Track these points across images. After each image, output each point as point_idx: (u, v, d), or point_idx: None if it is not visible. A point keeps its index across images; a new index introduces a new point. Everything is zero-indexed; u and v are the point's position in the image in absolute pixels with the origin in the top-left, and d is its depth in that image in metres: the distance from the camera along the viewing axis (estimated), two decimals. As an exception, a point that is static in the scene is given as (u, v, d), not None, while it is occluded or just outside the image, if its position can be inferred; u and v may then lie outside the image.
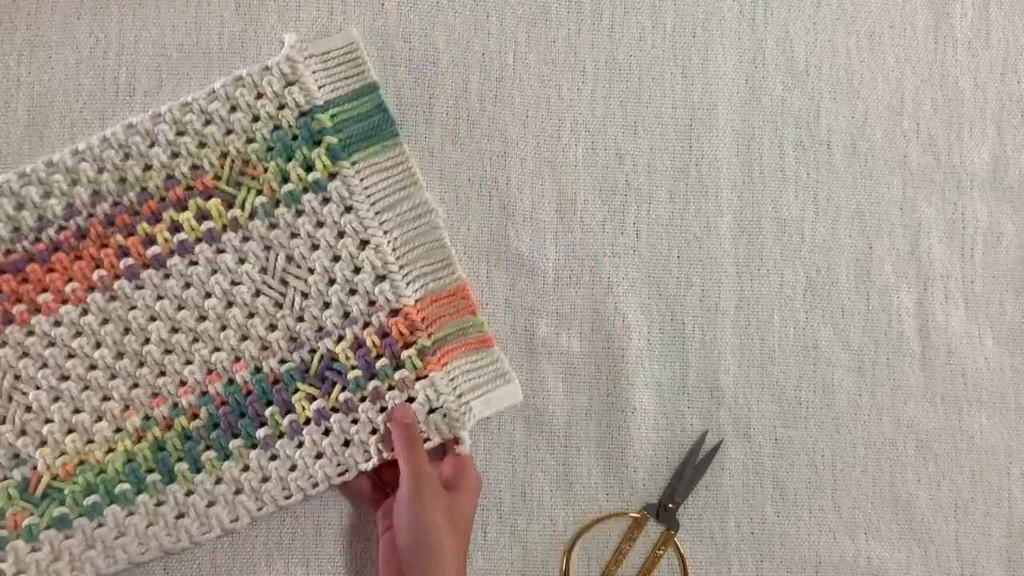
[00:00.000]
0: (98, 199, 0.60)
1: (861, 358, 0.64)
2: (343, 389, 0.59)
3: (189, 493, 0.58)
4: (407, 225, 0.61)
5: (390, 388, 0.60)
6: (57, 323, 0.59)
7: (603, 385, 0.63)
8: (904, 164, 0.65)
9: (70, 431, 0.58)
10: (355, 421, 0.59)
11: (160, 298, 0.59)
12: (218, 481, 0.58)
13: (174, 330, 0.59)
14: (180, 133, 0.60)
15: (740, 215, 0.65)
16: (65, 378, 0.59)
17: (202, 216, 0.60)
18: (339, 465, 0.58)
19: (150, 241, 0.60)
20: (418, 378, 0.60)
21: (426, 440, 0.59)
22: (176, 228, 0.60)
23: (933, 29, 0.67)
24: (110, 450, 0.58)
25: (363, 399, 0.59)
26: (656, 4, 0.66)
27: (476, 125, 0.64)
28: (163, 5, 0.64)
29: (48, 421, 0.58)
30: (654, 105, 0.65)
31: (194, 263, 0.60)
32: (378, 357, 0.60)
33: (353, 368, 0.59)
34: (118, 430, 0.58)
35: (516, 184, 0.64)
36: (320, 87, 0.62)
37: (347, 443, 0.59)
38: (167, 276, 0.60)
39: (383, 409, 0.59)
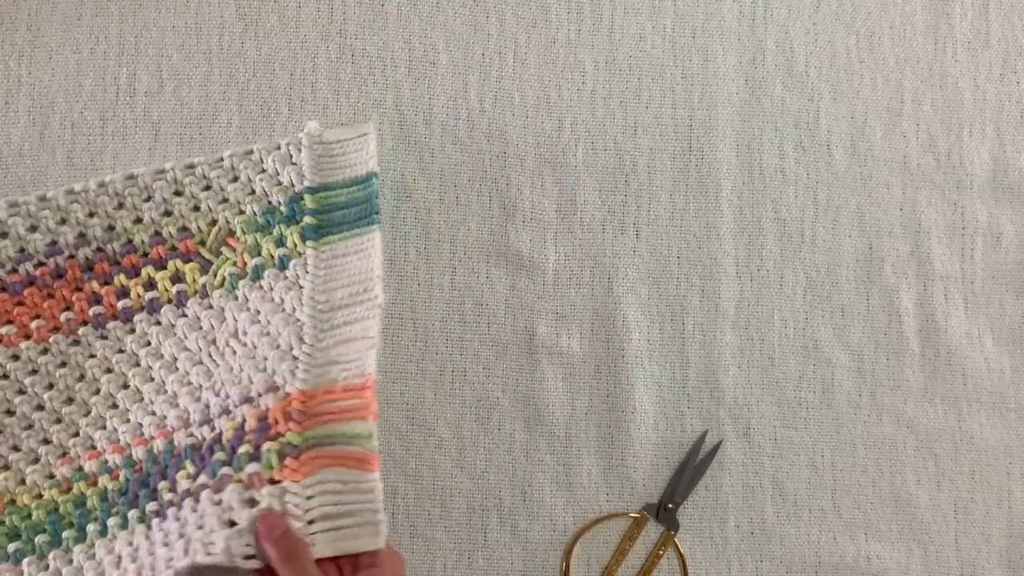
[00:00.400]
0: (82, 242, 0.59)
1: (861, 358, 0.64)
2: (201, 471, 0.53)
3: (91, 556, 0.55)
4: (339, 311, 0.58)
5: (238, 482, 0.51)
6: (15, 357, 0.58)
7: (603, 385, 0.63)
8: (904, 164, 0.65)
9: (5, 467, 0.57)
10: (193, 510, 0.51)
11: (120, 351, 0.59)
12: (110, 551, 0.54)
13: (124, 386, 0.59)
14: (177, 193, 0.60)
15: (740, 215, 0.65)
16: (10, 413, 0.58)
17: (177, 278, 0.60)
18: (169, 560, 0.50)
19: (124, 293, 0.59)
20: (271, 481, 0.51)
21: (249, 557, 0.49)
22: (151, 285, 0.59)
23: (933, 29, 0.67)
24: (39, 496, 0.57)
25: (204, 487, 0.52)
26: (656, 4, 0.66)
27: (476, 125, 0.64)
28: (163, 6, 0.64)
29: None
30: (654, 105, 0.65)
31: (158, 323, 0.59)
32: (243, 442, 0.52)
33: (223, 450, 0.53)
34: (50, 476, 0.57)
35: (516, 184, 0.64)
36: (320, 170, 0.61)
37: (181, 535, 0.51)
38: (132, 331, 0.59)
39: (219, 503, 0.51)
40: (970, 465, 0.63)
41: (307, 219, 0.60)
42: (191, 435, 0.56)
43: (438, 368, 0.62)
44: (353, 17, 0.64)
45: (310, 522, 0.50)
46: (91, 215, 0.59)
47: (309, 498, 0.51)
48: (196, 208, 0.60)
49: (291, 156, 0.61)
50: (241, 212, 0.60)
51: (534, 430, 0.62)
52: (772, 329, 0.64)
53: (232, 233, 0.60)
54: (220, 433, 0.55)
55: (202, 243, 0.60)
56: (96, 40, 0.64)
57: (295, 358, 0.56)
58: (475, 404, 0.62)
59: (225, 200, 0.60)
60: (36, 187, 0.60)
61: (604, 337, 0.63)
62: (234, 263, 0.60)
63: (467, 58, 0.65)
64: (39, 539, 0.56)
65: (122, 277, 0.59)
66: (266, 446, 0.52)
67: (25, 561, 0.56)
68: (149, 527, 0.53)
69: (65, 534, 0.56)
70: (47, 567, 0.56)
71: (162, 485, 0.55)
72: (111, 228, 0.60)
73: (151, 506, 0.54)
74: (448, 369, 0.62)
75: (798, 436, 0.63)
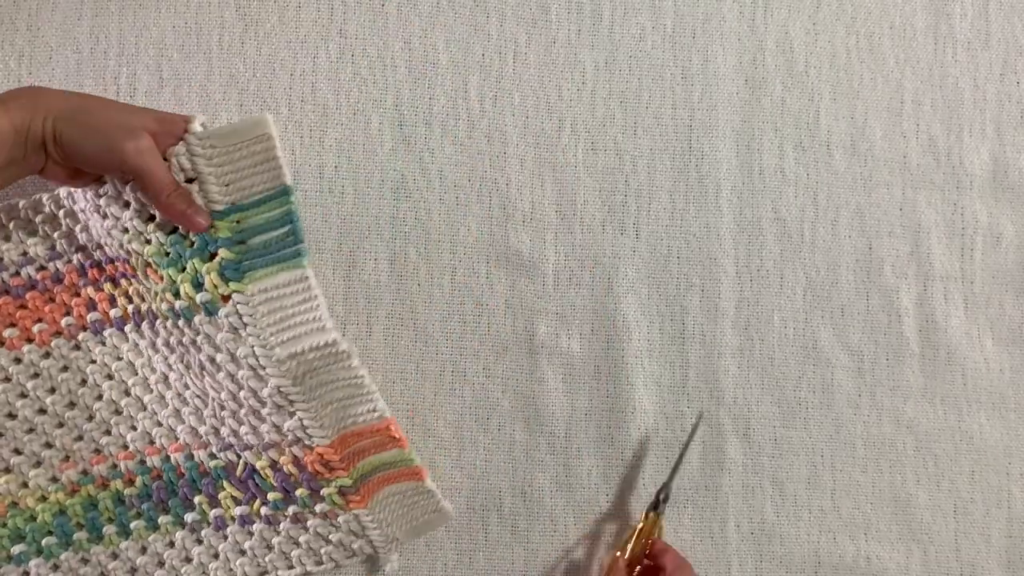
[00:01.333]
0: (73, 248, 0.58)
1: (861, 358, 0.64)
2: (263, 504, 0.58)
3: (114, 556, 0.58)
4: (314, 366, 0.55)
5: (313, 515, 0.58)
6: (17, 360, 0.58)
7: (603, 385, 0.63)
8: (904, 164, 0.65)
9: (7, 471, 0.58)
10: (277, 533, 0.59)
11: (119, 359, 0.59)
12: (143, 551, 0.58)
13: (126, 393, 0.59)
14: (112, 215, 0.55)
15: (740, 215, 0.65)
16: (12, 416, 0.58)
17: (137, 295, 0.58)
18: (259, 566, 0.59)
19: (112, 301, 0.58)
20: (343, 509, 0.59)
21: (350, 556, 0.59)
22: (138, 296, 0.57)
23: (933, 30, 0.67)
24: (43, 498, 0.58)
25: (285, 517, 0.59)
26: (656, 4, 0.66)
27: (476, 126, 0.64)
28: (163, 6, 0.64)
29: None
30: (654, 105, 0.65)
31: (143, 336, 0.58)
32: (297, 485, 0.58)
33: (273, 489, 0.58)
34: (54, 479, 0.58)
35: (516, 185, 0.64)
36: (226, 185, 0.54)
37: (269, 548, 0.59)
38: (125, 339, 0.59)
39: (306, 530, 0.59)
40: (970, 465, 0.63)
41: (223, 252, 0.54)
42: (214, 456, 0.58)
43: (438, 368, 0.62)
44: (353, 17, 0.64)
45: (388, 525, 0.59)
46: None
47: (379, 513, 0.59)
48: (125, 231, 0.55)
49: (184, 169, 0.54)
50: (147, 242, 0.55)
51: (534, 430, 0.62)
52: (772, 329, 0.64)
53: (148, 265, 0.55)
54: (253, 467, 0.57)
55: (134, 269, 0.56)
56: (96, 40, 0.63)
57: (293, 414, 0.56)
58: (475, 404, 0.62)
59: (126, 231, 0.55)
60: (37, 188, 0.60)
61: (604, 337, 0.63)
62: (163, 299, 0.56)
63: (467, 58, 0.65)
64: (46, 541, 0.57)
65: (109, 285, 0.58)
66: (324, 491, 0.58)
67: (32, 563, 0.57)
68: (199, 538, 0.59)
69: (76, 536, 0.57)
70: (56, 567, 0.57)
71: (199, 499, 0.58)
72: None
73: (191, 516, 0.58)
74: (448, 369, 0.62)
75: (798, 436, 0.63)
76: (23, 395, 0.58)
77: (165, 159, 0.54)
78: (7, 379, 0.58)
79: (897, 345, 0.64)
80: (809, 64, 0.66)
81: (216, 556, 0.59)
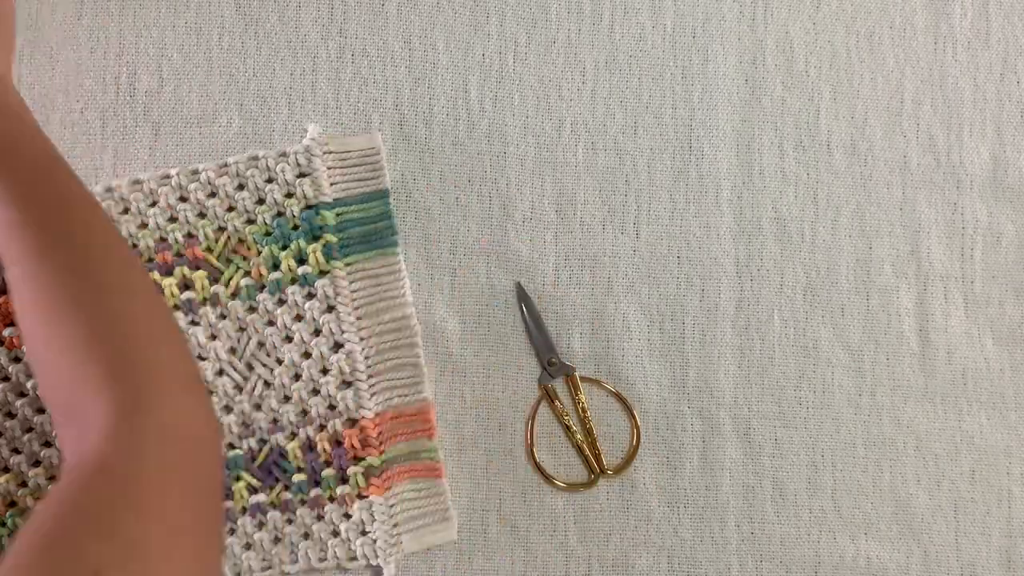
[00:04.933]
0: None
1: (861, 358, 0.64)
2: (285, 488, 0.59)
3: None
4: (385, 336, 0.60)
5: (331, 499, 0.59)
6: (16, 359, 0.58)
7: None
8: (904, 164, 0.65)
9: (5, 470, 0.58)
10: (290, 521, 0.59)
11: None
12: None
13: None
14: (182, 199, 0.60)
15: (740, 215, 0.65)
16: (11, 416, 0.58)
17: (184, 285, 0.60)
18: (263, 560, 0.59)
19: None
20: (359, 496, 0.59)
21: (352, 559, 0.59)
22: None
23: (933, 29, 0.67)
24: (40, 498, 0.57)
25: (303, 502, 0.59)
26: (656, 4, 0.66)
27: (476, 126, 0.64)
28: (163, 6, 0.64)
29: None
30: (654, 105, 0.65)
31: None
32: (326, 465, 0.59)
33: (299, 471, 0.59)
34: (51, 478, 0.58)
35: (516, 184, 0.64)
36: (332, 184, 0.61)
37: (277, 540, 0.59)
38: None
39: (320, 517, 0.59)
40: (970, 465, 0.63)
41: (328, 236, 0.60)
42: (233, 447, 0.59)
43: (438, 368, 0.62)
44: (353, 17, 0.64)
45: (394, 524, 0.59)
46: None
47: (391, 506, 0.59)
48: (202, 215, 0.60)
49: (300, 165, 0.61)
50: (251, 221, 0.60)
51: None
52: (772, 329, 0.64)
53: (242, 241, 0.60)
54: (281, 451, 0.59)
55: (209, 250, 0.60)
56: (96, 40, 0.63)
57: (349, 384, 0.59)
58: (475, 404, 0.62)
59: (232, 208, 0.60)
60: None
61: (604, 337, 0.63)
62: (247, 273, 0.60)
63: (467, 58, 0.65)
64: None
65: None
66: (351, 470, 0.59)
67: None
68: None
69: None
70: None
71: None
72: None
73: None
74: (448, 369, 0.62)
75: (798, 436, 0.63)
76: (22, 394, 0.58)
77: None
78: (6, 378, 0.58)
79: (897, 345, 0.64)
80: (809, 64, 0.66)
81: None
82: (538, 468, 0.61)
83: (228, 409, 0.59)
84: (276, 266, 0.60)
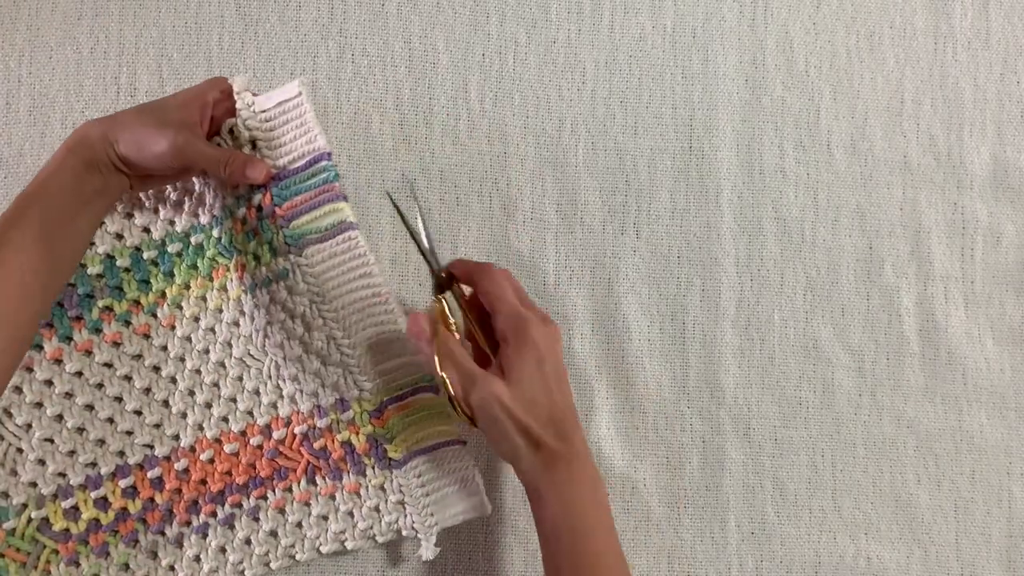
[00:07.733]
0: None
1: (861, 358, 0.64)
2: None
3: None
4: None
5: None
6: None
7: (603, 385, 0.63)
8: (904, 164, 0.65)
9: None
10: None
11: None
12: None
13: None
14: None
15: (740, 215, 0.65)
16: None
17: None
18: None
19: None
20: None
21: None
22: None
23: (933, 29, 0.67)
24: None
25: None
26: (656, 4, 0.66)
27: (476, 126, 0.64)
28: (163, 5, 0.64)
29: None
30: (654, 105, 0.65)
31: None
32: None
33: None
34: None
35: (516, 184, 0.64)
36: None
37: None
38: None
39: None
40: (970, 465, 0.63)
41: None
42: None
43: (438, 368, 0.62)
44: (353, 17, 0.64)
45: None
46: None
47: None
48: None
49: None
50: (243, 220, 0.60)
51: (534, 430, 0.62)
52: (772, 329, 0.64)
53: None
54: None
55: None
56: (96, 40, 0.64)
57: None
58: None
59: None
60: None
61: (604, 337, 0.63)
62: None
63: (467, 58, 0.65)
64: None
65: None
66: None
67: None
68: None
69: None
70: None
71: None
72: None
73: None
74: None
75: (798, 436, 0.63)
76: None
77: (218, 133, 0.59)
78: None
79: (897, 345, 0.64)
80: (809, 64, 0.66)
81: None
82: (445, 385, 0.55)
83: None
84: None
